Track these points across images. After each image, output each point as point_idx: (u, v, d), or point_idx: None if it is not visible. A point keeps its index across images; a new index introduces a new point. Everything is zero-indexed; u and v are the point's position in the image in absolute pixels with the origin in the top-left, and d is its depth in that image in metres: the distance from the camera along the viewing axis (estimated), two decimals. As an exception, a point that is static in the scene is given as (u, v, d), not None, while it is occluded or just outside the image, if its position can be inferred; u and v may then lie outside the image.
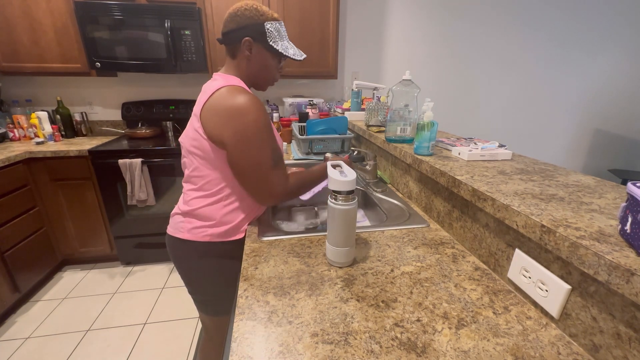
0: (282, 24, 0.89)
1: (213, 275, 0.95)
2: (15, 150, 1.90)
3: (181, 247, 0.92)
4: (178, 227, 0.92)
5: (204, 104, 0.82)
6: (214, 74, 0.91)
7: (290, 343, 0.51)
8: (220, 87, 0.81)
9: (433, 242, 0.85)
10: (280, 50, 0.87)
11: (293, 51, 0.91)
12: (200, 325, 1.72)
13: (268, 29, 0.85)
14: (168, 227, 0.97)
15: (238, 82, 0.87)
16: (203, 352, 1.17)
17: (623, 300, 0.45)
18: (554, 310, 0.55)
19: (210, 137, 0.81)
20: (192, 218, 0.90)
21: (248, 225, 0.95)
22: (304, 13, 2.13)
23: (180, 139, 0.93)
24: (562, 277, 0.55)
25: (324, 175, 0.97)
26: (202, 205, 0.89)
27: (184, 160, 0.93)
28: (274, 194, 0.85)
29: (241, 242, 0.94)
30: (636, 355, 0.43)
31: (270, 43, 0.86)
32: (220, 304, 1.01)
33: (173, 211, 0.96)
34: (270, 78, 0.94)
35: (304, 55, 0.93)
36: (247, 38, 0.84)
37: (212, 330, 1.10)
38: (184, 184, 0.94)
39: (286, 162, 1.64)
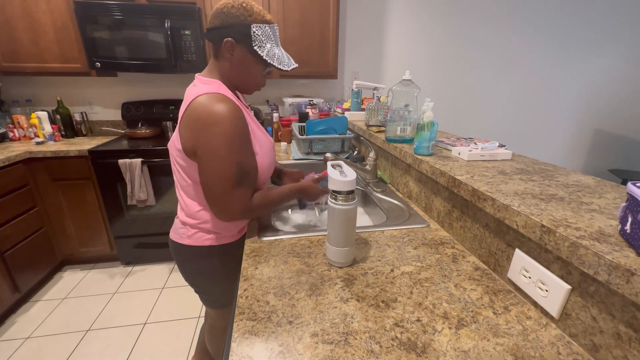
0: (275, 27, 0.80)
1: (217, 274, 0.97)
2: (15, 150, 1.90)
3: (184, 252, 0.93)
4: (180, 233, 0.92)
5: (183, 114, 0.77)
6: (196, 75, 0.85)
7: (290, 343, 0.51)
8: (198, 94, 0.75)
9: (433, 242, 0.85)
10: (264, 57, 0.79)
11: (280, 59, 0.81)
12: (200, 324, 1.72)
13: (254, 32, 0.76)
14: (171, 230, 0.97)
15: (218, 86, 0.80)
16: (208, 338, 1.21)
17: (623, 300, 0.45)
18: (554, 310, 0.55)
19: (185, 150, 0.78)
20: (189, 226, 0.90)
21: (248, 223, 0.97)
22: (304, 13, 2.13)
23: (168, 144, 0.88)
24: (562, 277, 0.55)
25: (290, 196, 0.89)
26: (196, 210, 0.88)
27: (172, 166, 0.89)
28: (229, 212, 0.79)
29: (241, 240, 0.96)
30: (636, 355, 0.43)
31: (255, 48, 0.78)
32: (225, 297, 1.03)
33: (176, 215, 0.96)
34: (253, 84, 0.86)
35: (294, 66, 0.84)
36: (228, 39, 0.76)
37: (216, 319, 1.13)
38: (176, 189, 0.93)
39: (286, 162, 1.64)
